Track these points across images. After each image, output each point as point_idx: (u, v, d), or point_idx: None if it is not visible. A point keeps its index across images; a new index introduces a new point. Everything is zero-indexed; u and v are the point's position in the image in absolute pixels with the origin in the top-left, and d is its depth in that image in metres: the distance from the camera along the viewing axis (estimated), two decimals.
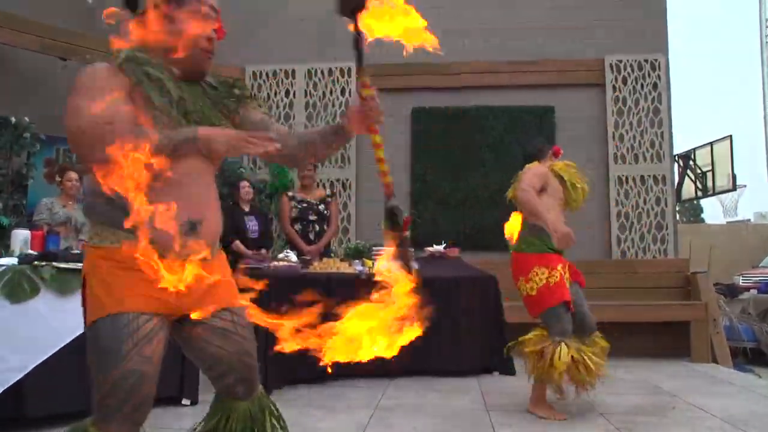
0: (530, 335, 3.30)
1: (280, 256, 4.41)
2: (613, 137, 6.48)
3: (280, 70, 6.94)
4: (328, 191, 5.71)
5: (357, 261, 4.55)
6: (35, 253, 3.20)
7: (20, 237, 3.35)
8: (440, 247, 5.06)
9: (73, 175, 4.94)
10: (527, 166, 3.59)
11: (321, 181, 6.75)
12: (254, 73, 6.97)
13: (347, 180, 6.77)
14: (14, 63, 5.89)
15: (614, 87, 6.53)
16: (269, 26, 7.01)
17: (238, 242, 5.14)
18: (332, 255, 5.57)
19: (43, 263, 2.94)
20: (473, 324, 4.51)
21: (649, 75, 6.53)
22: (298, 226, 5.25)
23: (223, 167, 6.47)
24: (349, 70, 6.86)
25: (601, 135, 6.54)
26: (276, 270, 4.00)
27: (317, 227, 5.28)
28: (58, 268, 2.94)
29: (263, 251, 5.22)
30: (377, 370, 4.20)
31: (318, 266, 4.24)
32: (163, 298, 1.47)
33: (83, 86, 1.49)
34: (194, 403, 3.40)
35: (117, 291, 1.47)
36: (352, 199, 6.74)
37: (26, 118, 5.44)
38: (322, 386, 3.95)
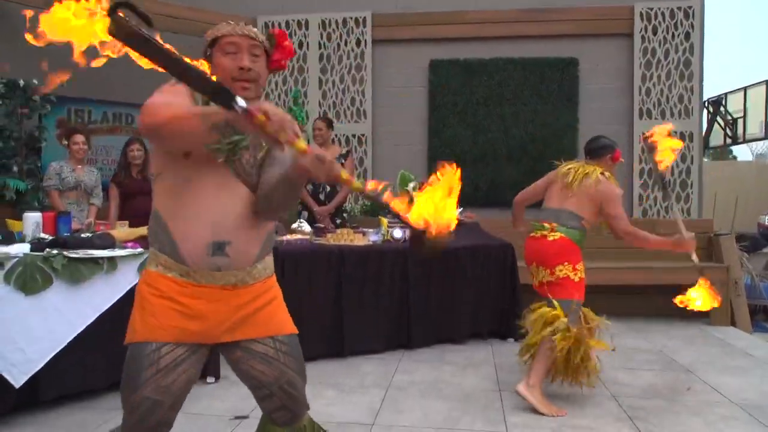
0: (544, 309, 3.27)
1: (294, 225, 4.38)
2: (640, 91, 6.19)
3: (293, 20, 6.69)
4: (344, 149, 5.59)
5: (372, 230, 4.50)
6: (47, 238, 3.21)
7: (32, 220, 3.36)
8: (457, 212, 4.96)
9: (80, 137, 4.89)
10: (587, 164, 3.38)
11: (336, 136, 6.63)
12: (266, 25, 6.72)
13: (363, 135, 6.64)
14: (20, 22, 5.73)
15: (643, 37, 6.19)
16: None
17: None
18: (345, 215, 5.54)
19: (54, 252, 2.94)
20: (489, 292, 4.49)
21: (681, 24, 6.16)
22: (309, 186, 5.19)
23: None
24: (365, 19, 6.58)
25: (627, 89, 6.26)
26: (288, 245, 3.97)
27: (328, 188, 5.21)
28: (69, 258, 2.94)
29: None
30: (393, 339, 4.25)
31: (331, 238, 4.20)
32: (190, 329, 1.56)
33: (161, 91, 1.58)
34: (217, 379, 3.47)
35: (148, 319, 1.56)
36: (368, 155, 6.63)
37: (35, 81, 5.35)
38: (339, 361, 3.99)
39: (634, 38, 6.19)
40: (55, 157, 5.14)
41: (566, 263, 3.16)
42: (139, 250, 3.24)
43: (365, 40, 6.59)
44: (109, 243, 3.25)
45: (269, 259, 1.73)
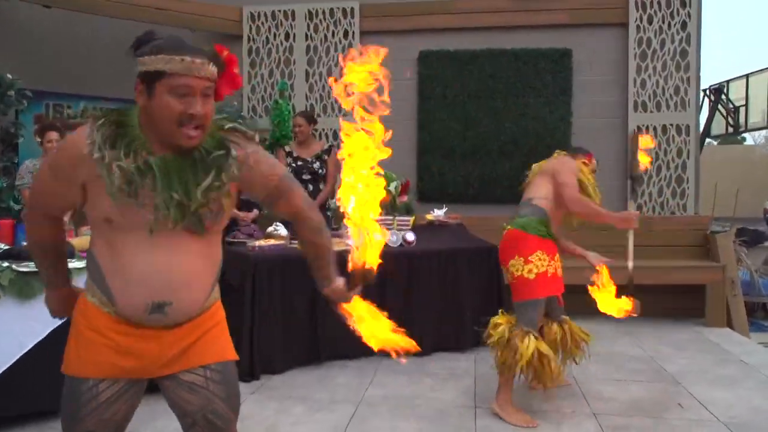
0: (497, 320, 3.18)
1: (269, 229, 4.22)
2: (635, 83, 5.98)
3: (279, 11, 6.48)
4: (327, 144, 5.41)
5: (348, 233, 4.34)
6: (2, 247, 3.07)
7: None
8: (441, 213, 4.81)
9: (53, 135, 4.72)
10: (558, 152, 3.32)
11: (324, 131, 6.47)
12: (252, 15, 6.53)
13: None
14: None
15: (638, 27, 5.96)
16: None
17: None
18: (329, 213, 5.39)
19: (5, 265, 2.81)
20: (472, 297, 4.34)
21: (677, 13, 5.92)
22: None
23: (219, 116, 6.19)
24: (352, 10, 6.37)
25: (621, 80, 6.04)
26: (261, 251, 3.82)
27: (311, 187, 5.03)
28: (18, 272, 2.80)
29: (255, 212, 5.05)
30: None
31: None
32: (124, 366, 1.50)
33: (50, 161, 1.52)
34: None
35: (82, 353, 1.51)
36: None
37: (9, 75, 5.19)
38: (313, 368, 3.87)
39: (629, 28, 5.96)
40: (34, 154, 4.98)
41: (516, 257, 3.04)
42: None
43: (353, 32, 6.39)
44: (69, 252, 3.10)
45: (216, 290, 1.64)
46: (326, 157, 5.13)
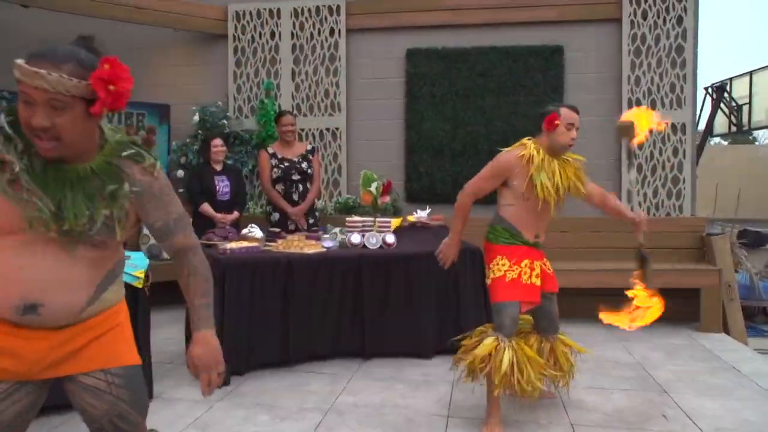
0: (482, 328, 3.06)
1: (244, 231, 4.09)
2: (629, 80, 5.81)
3: (264, 9, 6.36)
4: (310, 145, 5.29)
5: (327, 235, 4.20)
6: None
7: None
8: (424, 214, 4.66)
9: None
10: (505, 150, 3.08)
11: (310, 130, 6.34)
12: (237, 14, 6.41)
13: (337, 129, 6.31)
14: None
15: (632, 22, 5.78)
16: None
17: (205, 205, 4.86)
18: (317, 214, 5.27)
19: None
20: (454, 301, 4.18)
21: (673, 7, 5.74)
22: (280, 186, 4.90)
23: (204, 116, 6.08)
24: (338, 8, 6.24)
25: (615, 78, 5.87)
26: (232, 254, 3.68)
27: (301, 187, 4.92)
28: None
29: (235, 214, 4.93)
30: (353, 350, 3.99)
31: (280, 245, 3.91)
32: (6, 367, 1.46)
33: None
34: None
35: None
36: (342, 150, 6.31)
37: None
38: (286, 373, 3.74)
39: (623, 23, 5.79)
40: None
41: (487, 266, 3.03)
42: None
43: (339, 29, 6.25)
44: None
45: (111, 294, 1.59)
46: (311, 157, 5.00)
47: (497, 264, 2.95)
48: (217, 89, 6.44)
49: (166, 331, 4.66)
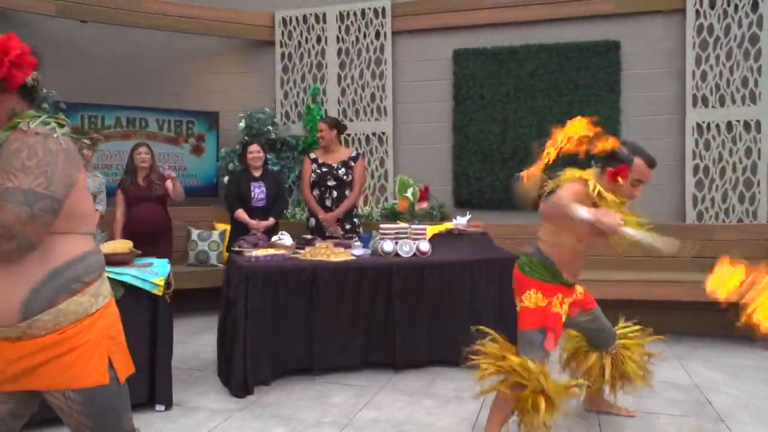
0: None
1: (274, 238, 4.05)
2: (693, 75, 5.36)
3: (311, 14, 6.35)
4: (355, 151, 5.21)
5: (359, 243, 4.08)
6: None
7: None
8: (463, 220, 4.46)
9: (80, 143, 4.81)
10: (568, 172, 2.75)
11: (356, 135, 6.26)
12: (284, 20, 6.43)
13: (383, 134, 6.20)
14: (31, 30, 5.77)
15: (698, 12, 5.33)
16: None
17: (240, 211, 4.87)
18: (356, 220, 5.16)
19: None
20: (488, 312, 3.95)
21: None
22: (316, 192, 4.87)
23: (250, 123, 6.13)
24: (383, 10, 6.14)
25: (678, 73, 5.43)
26: (257, 261, 3.63)
27: (335, 193, 4.85)
28: None
29: (270, 220, 4.90)
30: (384, 361, 3.86)
31: (308, 253, 3.84)
32: None
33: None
34: (168, 407, 3.21)
35: None
36: (389, 155, 6.19)
37: (43, 89, 5.32)
38: (313, 384, 3.65)
39: (687, 14, 5.35)
40: None
41: (516, 297, 2.77)
42: None
43: (384, 32, 6.14)
44: None
45: (74, 305, 1.50)
46: (353, 163, 4.92)
47: (529, 297, 2.69)
48: (265, 95, 6.49)
49: (204, 338, 4.70)
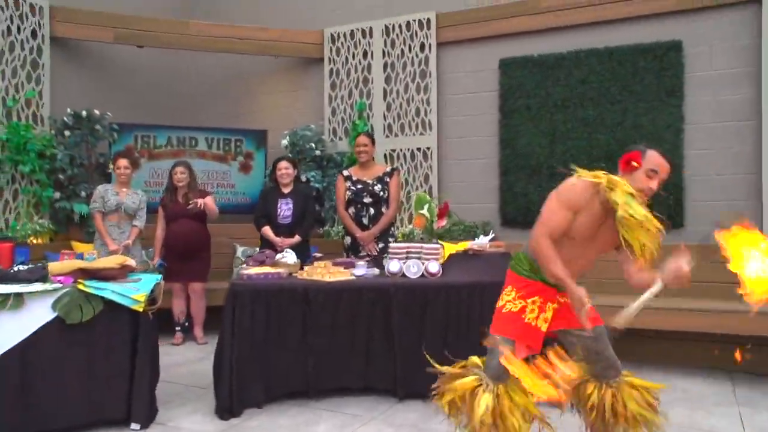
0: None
1: (278, 257, 3.96)
2: None
3: (357, 29, 6.29)
4: (389, 167, 5.05)
5: (362, 263, 3.89)
6: None
7: None
8: (485, 240, 4.13)
9: (123, 162, 5.06)
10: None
11: (401, 151, 6.09)
12: (332, 36, 6.43)
13: (428, 148, 5.98)
14: (92, 56, 6.18)
15: None
16: None
17: (266, 228, 4.84)
18: (392, 240, 4.98)
19: None
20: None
21: None
22: (352, 210, 4.76)
23: (294, 140, 6.14)
24: (428, 21, 5.95)
25: (752, 74, 4.75)
26: (249, 279, 3.56)
27: (372, 210, 4.73)
28: None
29: (296, 238, 4.82)
30: (385, 387, 3.64)
31: (305, 272, 3.71)
32: None
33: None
34: (144, 426, 3.19)
35: None
36: (433, 170, 5.95)
37: (96, 111, 5.67)
38: (304, 407, 3.50)
39: (764, 6, 4.67)
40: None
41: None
42: (56, 285, 3.08)
43: (429, 44, 5.95)
44: (39, 276, 3.16)
45: None
46: (388, 179, 4.78)
47: (505, 293, 2.54)
48: (314, 113, 6.51)
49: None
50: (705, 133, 4.89)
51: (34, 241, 5.34)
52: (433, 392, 2.59)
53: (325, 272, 3.61)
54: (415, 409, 3.51)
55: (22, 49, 5.45)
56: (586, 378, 2.63)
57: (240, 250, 5.94)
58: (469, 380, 2.45)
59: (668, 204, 4.88)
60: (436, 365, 2.63)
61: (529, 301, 2.43)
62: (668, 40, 4.97)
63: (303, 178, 6.08)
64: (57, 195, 5.54)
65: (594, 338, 2.48)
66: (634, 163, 2.35)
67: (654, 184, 2.34)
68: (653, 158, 2.35)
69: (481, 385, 2.40)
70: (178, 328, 5.34)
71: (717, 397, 3.78)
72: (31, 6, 5.51)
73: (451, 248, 4.09)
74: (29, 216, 5.45)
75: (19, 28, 5.43)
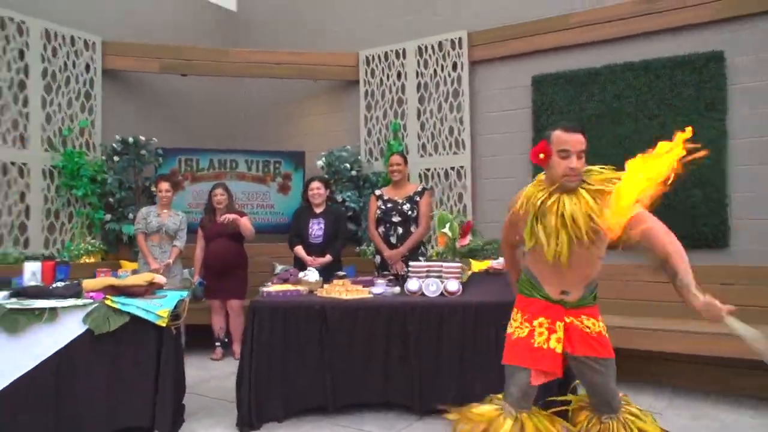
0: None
1: (301, 275, 4.04)
2: None
3: (392, 51, 6.40)
4: (421, 186, 5.08)
5: (381, 281, 3.91)
6: (20, 287, 3.43)
7: (30, 269, 3.65)
8: (501, 260, 4.07)
9: (164, 185, 5.30)
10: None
11: (435, 170, 6.11)
12: (367, 59, 6.56)
13: (462, 167, 5.97)
14: (140, 86, 6.53)
15: None
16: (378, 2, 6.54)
17: (299, 248, 4.94)
18: (422, 259, 4.99)
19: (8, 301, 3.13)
20: None
21: None
22: (381, 229, 4.82)
23: (330, 161, 6.27)
24: (460, 40, 5.98)
25: None
26: (269, 297, 3.64)
27: (400, 230, 4.77)
28: (10, 309, 3.08)
29: (327, 257, 4.88)
30: (405, 403, 3.63)
31: (324, 290, 3.76)
32: None
33: None
34: None
35: None
36: (467, 190, 5.93)
37: (142, 137, 5.99)
38: (324, 422, 3.53)
39: None
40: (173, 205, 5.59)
41: None
42: (87, 300, 3.26)
43: (462, 63, 5.97)
44: (74, 292, 3.35)
45: None
46: (418, 198, 4.81)
47: (513, 319, 2.50)
48: (351, 133, 6.63)
49: None
50: (752, 147, 4.67)
51: (87, 261, 5.65)
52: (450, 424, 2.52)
53: (343, 290, 3.66)
54: (434, 427, 3.48)
55: (77, 82, 5.84)
56: (583, 405, 2.54)
57: (279, 268, 6.07)
58: (488, 409, 2.38)
59: (713, 224, 4.69)
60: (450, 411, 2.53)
61: (536, 323, 2.36)
62: (708, 51, 4.80)
63: (339, 198, 6.19)
64: (107, 217, 5.86)
65: (594, 369, 2.37)
66: (542, 155, 2.32)
67: (573, 162, 2.27)
68: (558, 138, 2.30)
69: (501, 414, 2.33)
70: (217, 344, 5.49)
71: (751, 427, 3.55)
72: (85, 42, 5.91)
73: (478, 266, 4.05)
74: (82, 237, 5.78)
75: (74, 63, 5.83)
